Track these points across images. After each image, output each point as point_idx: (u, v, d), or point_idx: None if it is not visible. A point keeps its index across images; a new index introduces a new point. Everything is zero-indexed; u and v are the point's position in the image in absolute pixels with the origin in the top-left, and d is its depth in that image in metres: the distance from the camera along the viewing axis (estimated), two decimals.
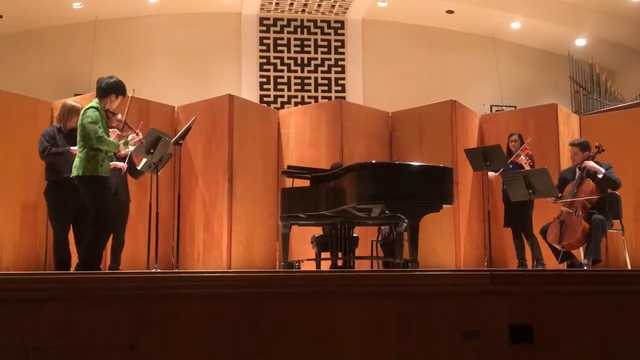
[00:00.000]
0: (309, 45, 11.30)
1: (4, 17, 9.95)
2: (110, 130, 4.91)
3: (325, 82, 11.24)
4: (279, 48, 11.22)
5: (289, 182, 6.17)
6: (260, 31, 11.19)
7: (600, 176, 5.81)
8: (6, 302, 2.90)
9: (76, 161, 4.69)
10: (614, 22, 10.72)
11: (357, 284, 3.22)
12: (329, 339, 3.04)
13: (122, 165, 5.62)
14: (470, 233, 7.38)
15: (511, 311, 3.15)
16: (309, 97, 11.13)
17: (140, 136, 5.11)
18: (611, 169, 5.90)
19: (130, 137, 5.02)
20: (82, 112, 4.75)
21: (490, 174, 6.48)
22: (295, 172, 6.05)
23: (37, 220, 6.59)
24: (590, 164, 5.88)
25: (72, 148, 5.09)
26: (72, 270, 4.83)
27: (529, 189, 5.68)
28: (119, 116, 5.00)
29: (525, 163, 6.29)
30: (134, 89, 5.10)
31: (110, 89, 4.81)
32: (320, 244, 6.32)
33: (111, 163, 5.19)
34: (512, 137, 6.61)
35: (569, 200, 5.87)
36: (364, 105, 9.15)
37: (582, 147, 6.06)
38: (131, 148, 5.32)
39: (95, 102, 4.76)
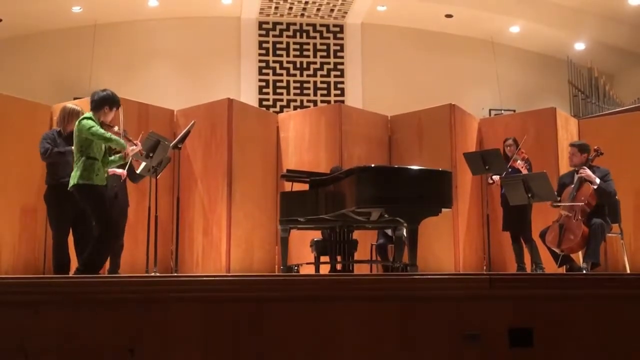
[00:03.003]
0: (308, 49, 11.31)
1: (3, 21, 9.97)
2: None
3: (325, 85, 11.25)
4: (278, 52, 11.23)
5: (288, 186, 6.16)
6: (260, 35, 11.20)
7: (594, 187, 5.80)
8: (5, 306, 2.90)
9: (73, 171, 4.67)
10: (613, 26, 10.74)
11: (356, 288, 3.21)
12: (328, 343, 3.04)
13: (122, 172, 5.61)
14: (469, 237, 7.38)
15: (511, 315, 3.15)
16: (308, 100, 11.13)
17: (140, 147, 5.06)
18: (608, 176, 5.88)
19: (130, 149, 4.98)
20: (76, 123, 4.71)
21: (495, 177, 6.46)
22: (294, 175, 6.04)
23: (37, 224, 6.59)
24: (587, 172, 5.86)
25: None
26: (71, 274, 4.83)
27: (528, 193, 5.68)
28: (116, 128, 4.96)
29: (523, 167, 6.30)
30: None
31: (103, 102, 4.76)
32: (320, 247, 6.31)
33: (110, 170, 5.18)
34: (507, 141, 6.62)
35: (568, 204, 5.87)
36: (363, 109, 9.15)
37: (580, 148, 6.05)
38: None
39: (89, 114, 4.75)
